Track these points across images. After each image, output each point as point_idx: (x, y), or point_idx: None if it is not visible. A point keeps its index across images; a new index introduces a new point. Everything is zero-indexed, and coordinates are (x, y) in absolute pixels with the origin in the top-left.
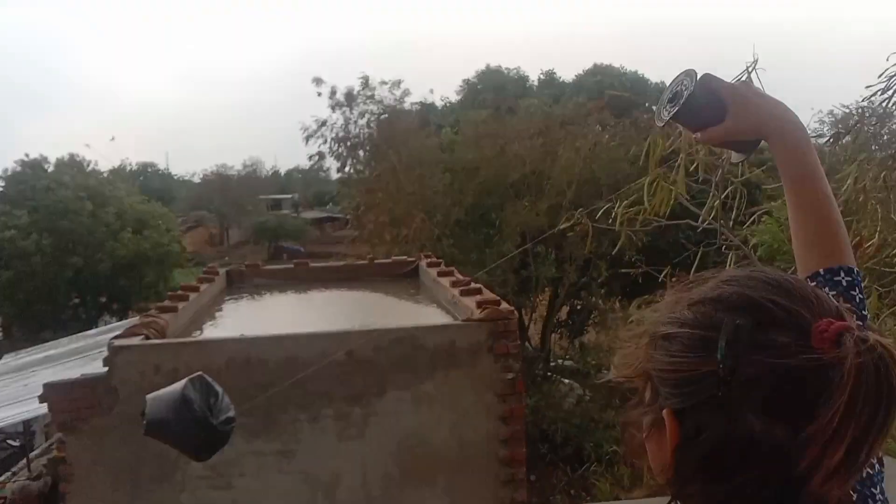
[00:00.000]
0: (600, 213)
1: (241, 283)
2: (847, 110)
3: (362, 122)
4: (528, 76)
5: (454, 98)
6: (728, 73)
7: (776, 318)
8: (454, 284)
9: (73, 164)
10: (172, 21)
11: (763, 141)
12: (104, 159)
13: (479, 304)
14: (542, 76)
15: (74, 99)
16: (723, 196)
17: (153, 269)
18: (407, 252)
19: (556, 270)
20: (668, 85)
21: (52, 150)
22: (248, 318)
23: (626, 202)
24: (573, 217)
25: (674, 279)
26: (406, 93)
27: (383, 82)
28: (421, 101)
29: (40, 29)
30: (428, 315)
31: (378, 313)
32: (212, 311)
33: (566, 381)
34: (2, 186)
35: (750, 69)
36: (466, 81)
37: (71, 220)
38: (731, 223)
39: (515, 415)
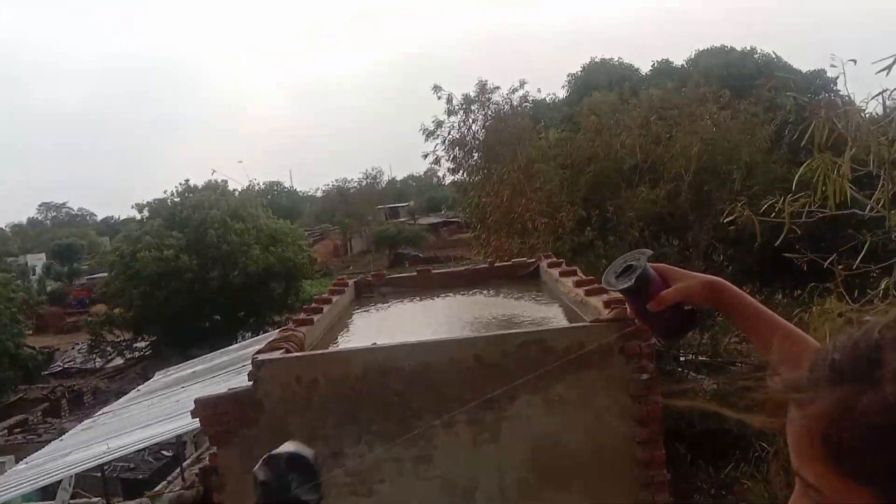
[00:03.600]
0: (765, 206)
1: (369, 292)
2: None
3: (476, 126)
4: (637, 67)
5: (561, 94)
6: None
7: None
8: (578, 284)
9: (215, 187)
10: (285, 40)
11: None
12: (233, 181)
13: (607, 304)
14: (655, 63)
15: (203, 125)
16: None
17: (281, 282)
18: (528, 253)
19: (681, 258)
20: (615, 260)
21: (186, 175)
22: (378, 327)
23: (791, 196)
24: (735, 210)
25: (840, 267)
26: (524, 98)
27: (496, 87)
28: (532, 99)
29: (172, 56)
30: (553, 316)
31: (503, 317)
32: (344, 321)
33: (698, 375)
34: (154, 209)
35: None
36: (572, 76)
37: (219, 239)
38: None
39: (652, 416)
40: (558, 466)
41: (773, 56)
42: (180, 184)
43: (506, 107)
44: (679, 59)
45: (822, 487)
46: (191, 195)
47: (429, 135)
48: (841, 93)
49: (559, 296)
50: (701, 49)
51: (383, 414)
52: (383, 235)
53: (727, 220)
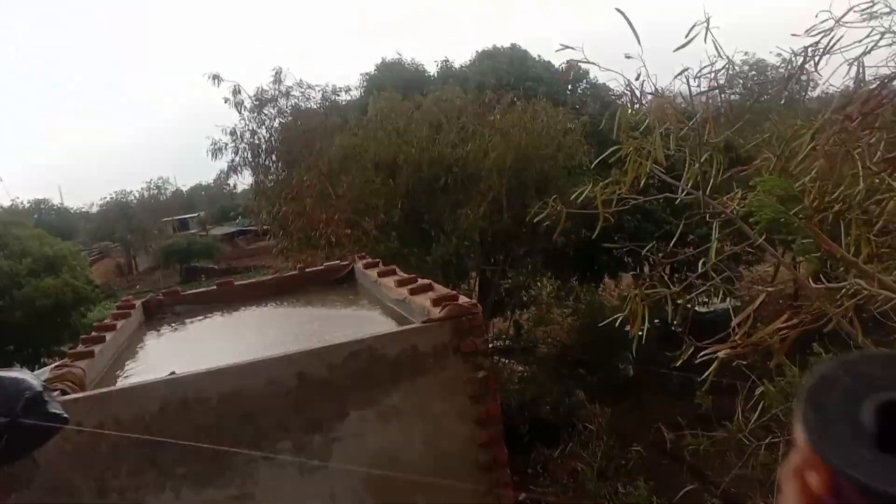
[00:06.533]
0: (577, 195)
1: (161, 313)
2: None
3: (275, 124)
4: (425, 68)
5: (356, 94)
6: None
7: None
8: (401, 283)
9: None
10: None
11: None
12: None
13: (437, 302)
14: (438, 64)
15: None
16: (699, 164)
17: (75, 311)
18: (338, 258)
19: (487, 260)
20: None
21: None
22: (175, 353)
23: (602, 183)
24: (546, 205)
25: (661, 255)
26: (325, 95)
27: (299, 81)
28: (331, 99)
29: None
30: (378, 321)
31: (322, 327)
32: (133, 349)
33: (504, 360)
34: None
35: None
36: (366, 75)
37: None
38: (709, 191)
39: (492, 415)
40: (398, 483)
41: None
42: None
43: (304, 103)
44: (460, 60)
45: None
46: None
47: (216, 151)
48: (597, 83)
49: (381, 298)
50: (480, 50)
51: (190, 454)
52: (172, 249)
53: (538, 218)
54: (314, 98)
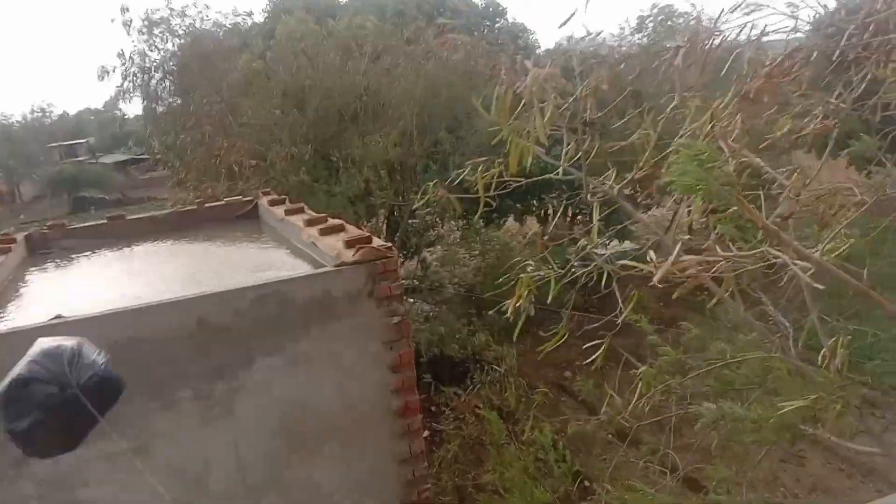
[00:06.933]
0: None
1: (47, 249)
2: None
3: (169, 46)
4: None
5: (260, 19)
6: None
7: None
8: (310, 223)
9: None
10: None
11: None
12: None
13: (350, 244)
14: None
15: None
16: (578, 140)
17: None
18: (241, 192)
19: (396, 196)
20: None
21: None
22: (63, 294)
23: (481, 167)
24: (429, 190)
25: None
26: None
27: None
28: (231, 22)
29: None
30: (286, 263)
31: (224, 268)
32: (15, 288)
33: (410, 300)
34: None
35: None
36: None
37: None
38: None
39: (405, 361)
40: (307, 431)
41: None
42: None
43: (203, 25)
44: None
45: None
46: None
47: (105, 74)
48: (515, 22)
49: (288, 238)
50: None
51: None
52: (60, 178)
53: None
54: (213, 20)
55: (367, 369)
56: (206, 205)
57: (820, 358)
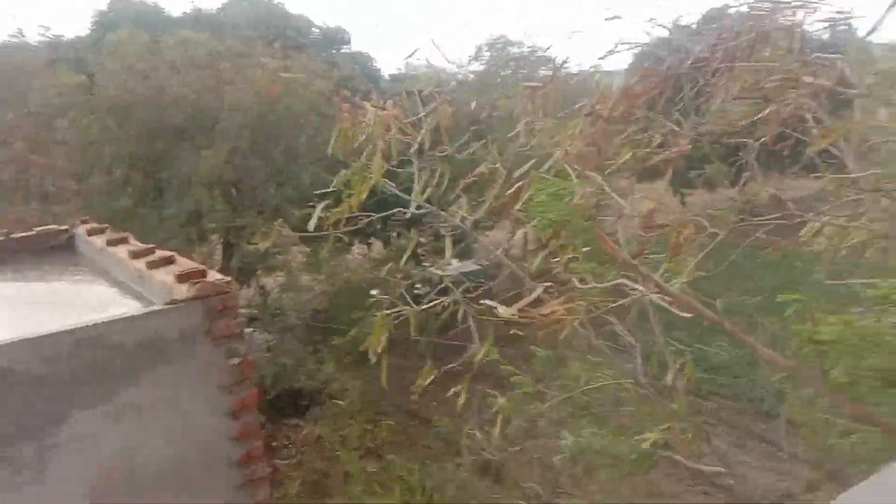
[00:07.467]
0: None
1: None
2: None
3: None
4: (165, 9)
5: (84, 33)
6: None
7: None
8: (135, 256)
9: None
10: None
11: None
12: None
13: (182, 278)
14: (186, 13)
15: None
16: (429, 176)
17: None
18: (55, 220)
19: (233, 216)
20: None
21: None
22: None
23: (324, 203)
24: (271, 231)
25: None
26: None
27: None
28: (50, 37)
29: None
30: (108, 301)
31: (35, 309)
32: None
33: (249, 328)
34: None
35: None
36: (100, 13)
37: None
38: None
39: (247, 405)
40: (134, 491)
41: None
42: None
43: (14, 39)
44: (209, 5)
45: None
46: None
47: None
48: (360, 51)
49: (110, 273)
50: None
51: None
52: None
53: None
54: (28, 36)
55: (205, 416)
56: (13, 235)
57: (669, 377)
